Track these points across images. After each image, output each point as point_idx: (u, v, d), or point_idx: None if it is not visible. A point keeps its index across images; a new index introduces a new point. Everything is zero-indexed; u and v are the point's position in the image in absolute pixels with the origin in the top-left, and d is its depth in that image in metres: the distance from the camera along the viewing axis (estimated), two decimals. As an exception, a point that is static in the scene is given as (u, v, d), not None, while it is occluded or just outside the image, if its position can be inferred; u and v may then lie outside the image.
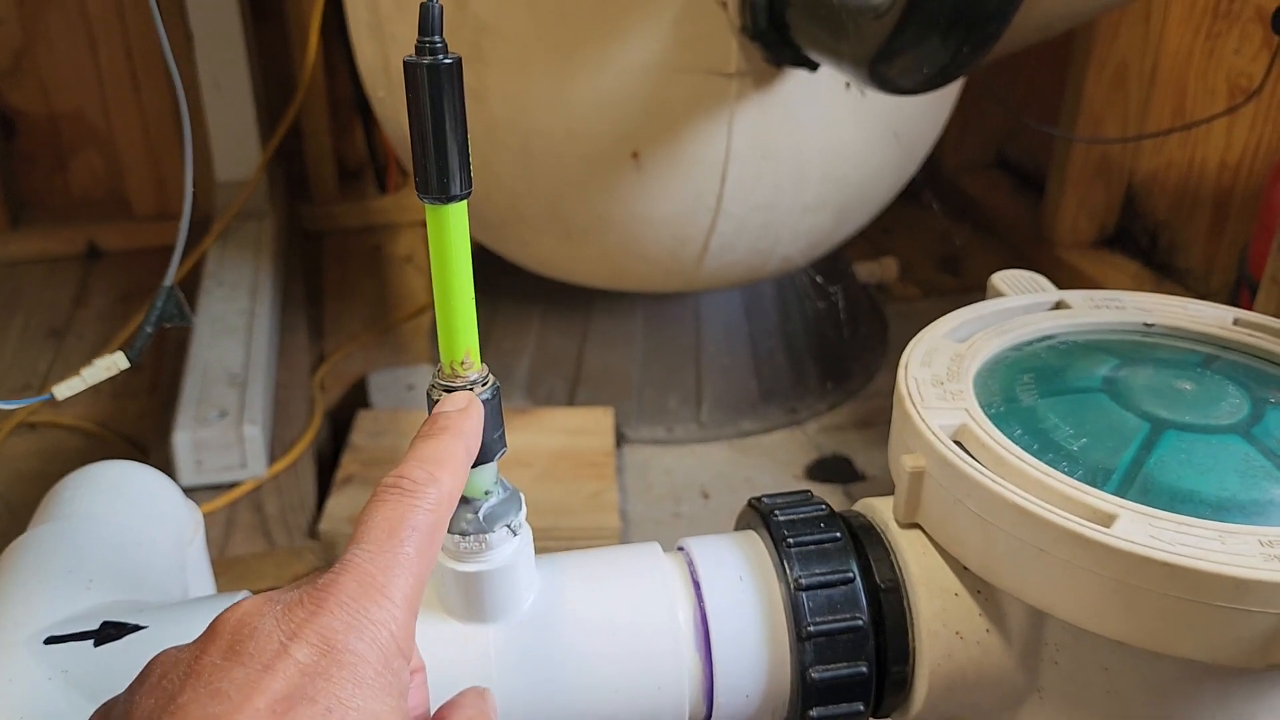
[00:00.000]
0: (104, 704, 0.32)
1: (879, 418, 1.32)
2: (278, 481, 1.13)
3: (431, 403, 0.39)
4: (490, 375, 0.40)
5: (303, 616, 0.30)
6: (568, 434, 1.20)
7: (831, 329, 1.37)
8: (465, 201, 0.37)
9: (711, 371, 1.29)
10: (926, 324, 0.51)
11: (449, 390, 0.39)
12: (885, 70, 0.83)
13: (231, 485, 1.12)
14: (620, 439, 1.26)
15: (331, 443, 1.26)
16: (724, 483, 1.21)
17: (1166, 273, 1.50)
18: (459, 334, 0.38)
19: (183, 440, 1.10)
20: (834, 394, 1.34)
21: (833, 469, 1.24)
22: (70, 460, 1.10)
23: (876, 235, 1.68)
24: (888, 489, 0.46)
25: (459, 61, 0.35)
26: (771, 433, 1.29)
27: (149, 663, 0.31)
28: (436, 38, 0.34)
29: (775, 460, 1.25)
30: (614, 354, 1.30)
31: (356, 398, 1.33)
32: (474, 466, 0.40)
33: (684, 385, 1.29)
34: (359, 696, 0.30)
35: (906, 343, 0.49)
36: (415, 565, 0.33)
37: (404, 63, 0.34)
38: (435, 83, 0.34)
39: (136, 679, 0.31)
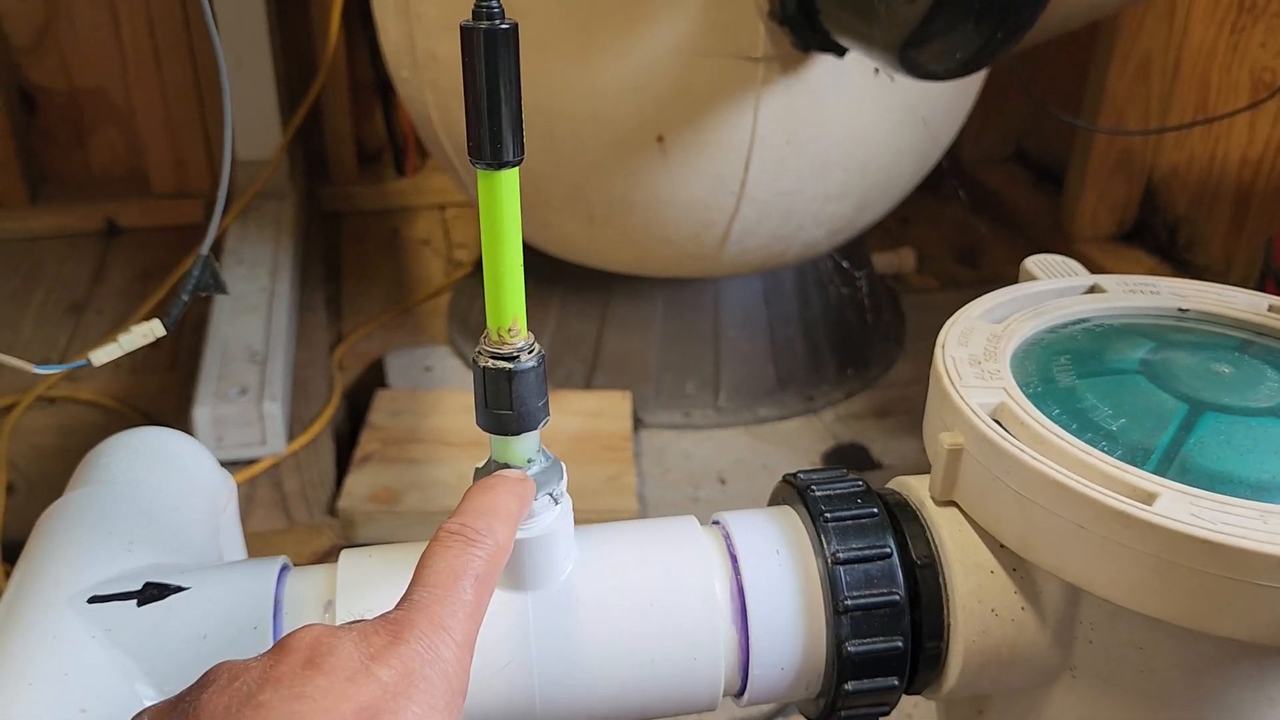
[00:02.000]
0: (148, 709, 0.33)
1: (896, 407, 1.32)
2: (297, 458, 1.14)
3: (478, 369, 0.39)
4: (536, 343, 0.40)
5: (381, 643, 0.33)
6: (586, 417, 1.20)
7: (850, 317, 1.37)
8: (517, 168, 0.37)
9: (730, 358, 1.29)
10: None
11: (496, 356, 0.39)
12: (917, 55, 0.83)
13: (251, 461, 1.13)
14: (638, 423, 1.26)
15: (348, 422, 1.27)
16: (741, 469, 1.22)
17: (1185, 268, 1.50)
18: (507, 301, 0.38)
19: (203, 416, 1.11)
20: (851, 383, 1.34)
21: (849, 457, 1.24)
22: (89, 435, 1.11)
23: (894, 226, 1.68)
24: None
25: (515, 27, 0.35)
26: (788, 420, 1.29)
27: (209, 671, 0.32)
28: (494, 3, 0.34)
29: (792, 447, 1.25)
30: (633, 338, 1.30)
31: (374, 378, 1.33)
32: (517, 434, 0.40)
33: (702, 371, 1.29)
34: None
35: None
36: (474, 610, 0.35)
37: (461, 27, 0.35)
38: (492, 48, 0.34)
39: (196, 685, 0.32)
